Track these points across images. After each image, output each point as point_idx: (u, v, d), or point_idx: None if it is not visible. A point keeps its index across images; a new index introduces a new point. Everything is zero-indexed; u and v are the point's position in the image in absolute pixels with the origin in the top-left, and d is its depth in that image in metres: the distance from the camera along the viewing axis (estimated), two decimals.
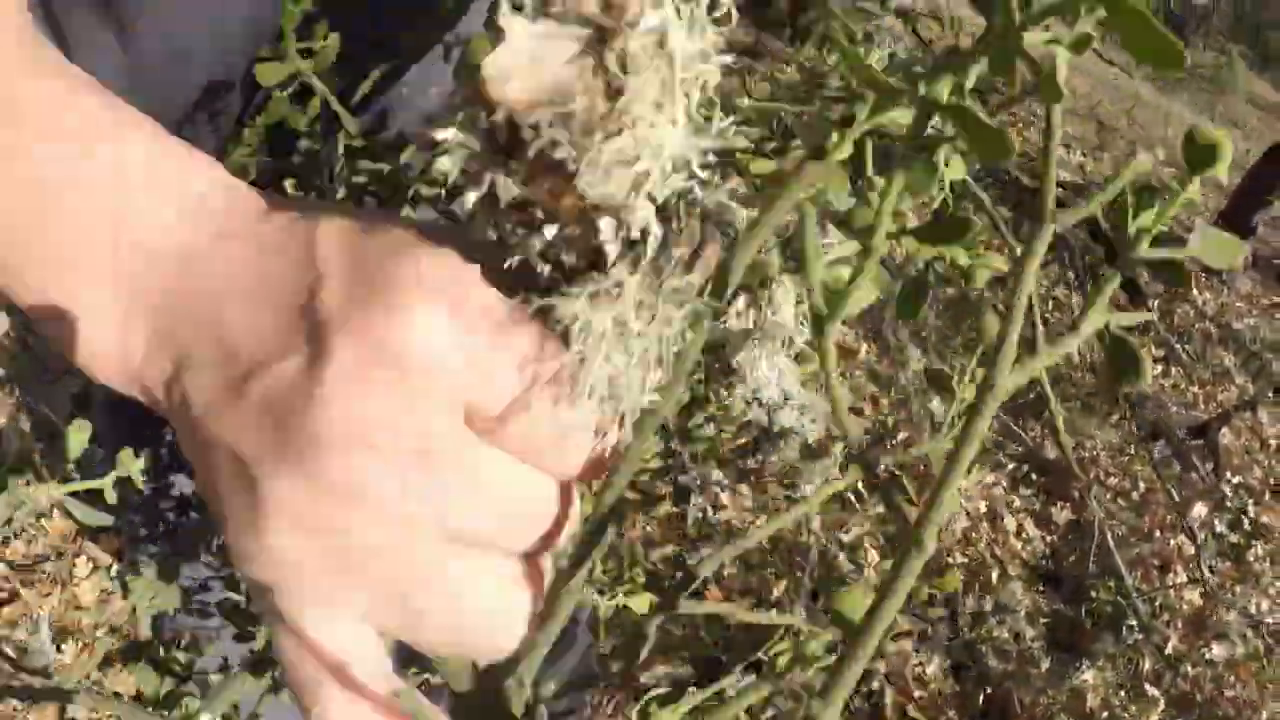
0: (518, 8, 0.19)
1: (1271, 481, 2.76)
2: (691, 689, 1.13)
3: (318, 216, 0.24)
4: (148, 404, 0.26)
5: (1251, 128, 7.83)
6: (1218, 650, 2.01)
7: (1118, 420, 2.60)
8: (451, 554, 0.23)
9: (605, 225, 0.20)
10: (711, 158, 0.21)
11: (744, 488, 1.87)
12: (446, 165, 0.19)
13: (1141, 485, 2.39)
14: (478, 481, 0.22)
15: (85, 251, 0.25)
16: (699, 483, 1.73)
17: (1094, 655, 1.85)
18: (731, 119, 0.20)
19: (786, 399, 0.34)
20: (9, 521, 1.31)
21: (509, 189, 0.19)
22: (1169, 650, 1.95)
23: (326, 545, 0.22)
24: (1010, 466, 2.25)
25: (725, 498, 1.82)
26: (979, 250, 0.34)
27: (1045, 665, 1.80)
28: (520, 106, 0.19)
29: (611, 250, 0.20)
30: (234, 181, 0.26)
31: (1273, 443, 2.98)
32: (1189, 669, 1.93)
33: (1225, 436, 2.85)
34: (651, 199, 0.20)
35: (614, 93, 0.19)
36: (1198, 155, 0.23)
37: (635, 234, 0.21)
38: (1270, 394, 3.29)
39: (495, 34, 0.19)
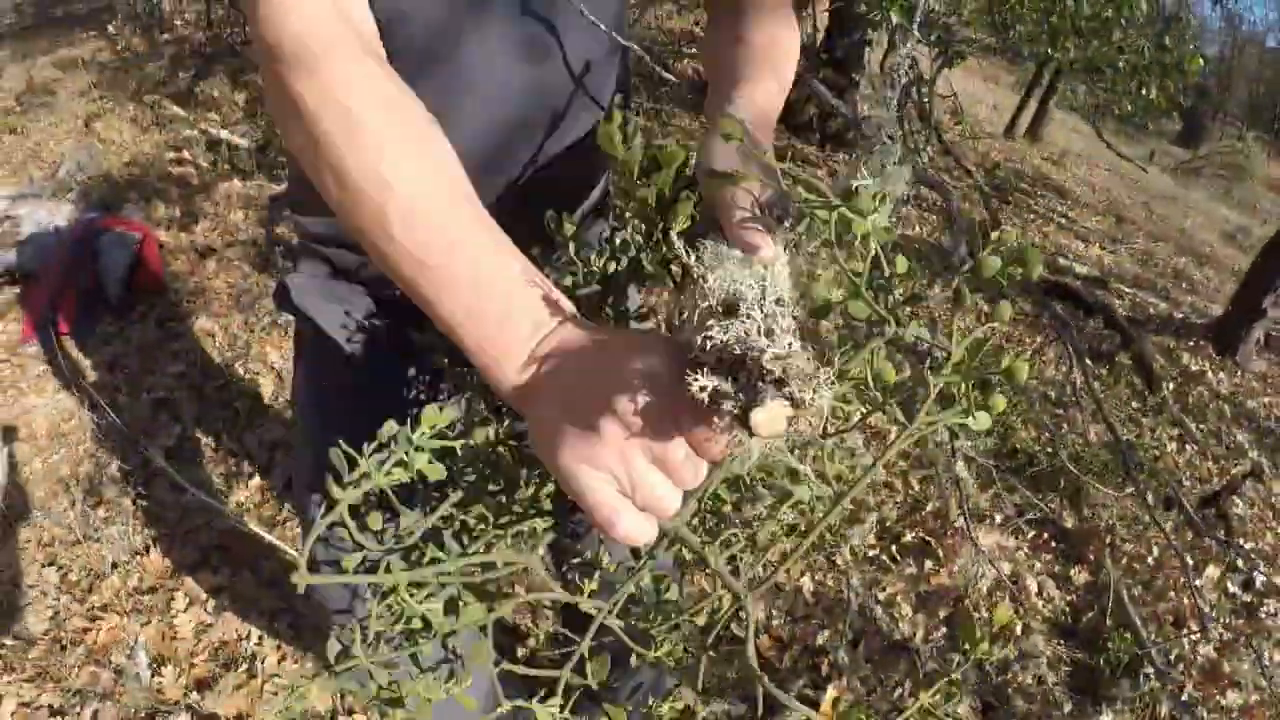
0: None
1: None
2: None
3: (635, 353, 0.50)
4: (518, 409, 0.55)
5: (1268, 211, 8.18)
6: (1232, 696, 2.22)
7: (1132, 492, 2.88)
8: (659, 475, 0.49)
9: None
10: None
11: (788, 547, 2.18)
12: None
13: (1155, 550, 2.66)
14: (680, 464, 0.48)
15: (515, 339, 0.54)
16: (749, 541, 2.06)
17: (1112, 700, 2.09)
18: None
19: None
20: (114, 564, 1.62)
21: None
22: (1184, 697, 2.18)
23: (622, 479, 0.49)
24: (1031, 534, 2.54)
25: (772, 555, 2.14)
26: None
27: (1067, 708, 2.05)
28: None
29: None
30: (572, 309, 0.56)
31: None
32: (1204, 714, 2.16)
33: (1237, 506, 3.11)
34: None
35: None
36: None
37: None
38: None
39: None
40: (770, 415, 0.42)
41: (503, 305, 0.53)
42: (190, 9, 4.85)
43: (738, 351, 0.43)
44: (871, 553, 2.27)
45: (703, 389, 0.43)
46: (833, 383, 0.44)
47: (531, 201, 0.75)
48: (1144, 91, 5.23)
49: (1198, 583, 2.61)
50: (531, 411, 0.53)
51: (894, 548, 2.30)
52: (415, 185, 0.55)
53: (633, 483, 0.49)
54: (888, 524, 2.39)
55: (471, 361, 0.55)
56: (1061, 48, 5.26)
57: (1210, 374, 4.19)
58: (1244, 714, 2.18)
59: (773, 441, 0.45)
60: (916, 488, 2.56)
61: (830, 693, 1.82)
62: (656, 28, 7.54)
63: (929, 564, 2.26)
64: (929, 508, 2.46)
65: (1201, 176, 8.87)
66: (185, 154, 3.58)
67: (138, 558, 1.82)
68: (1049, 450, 2.94)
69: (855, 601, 2.05)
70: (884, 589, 2.16)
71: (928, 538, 2.35)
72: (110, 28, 4.74)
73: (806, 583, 2.10)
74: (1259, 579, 2.74)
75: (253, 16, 0.57)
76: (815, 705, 1.80)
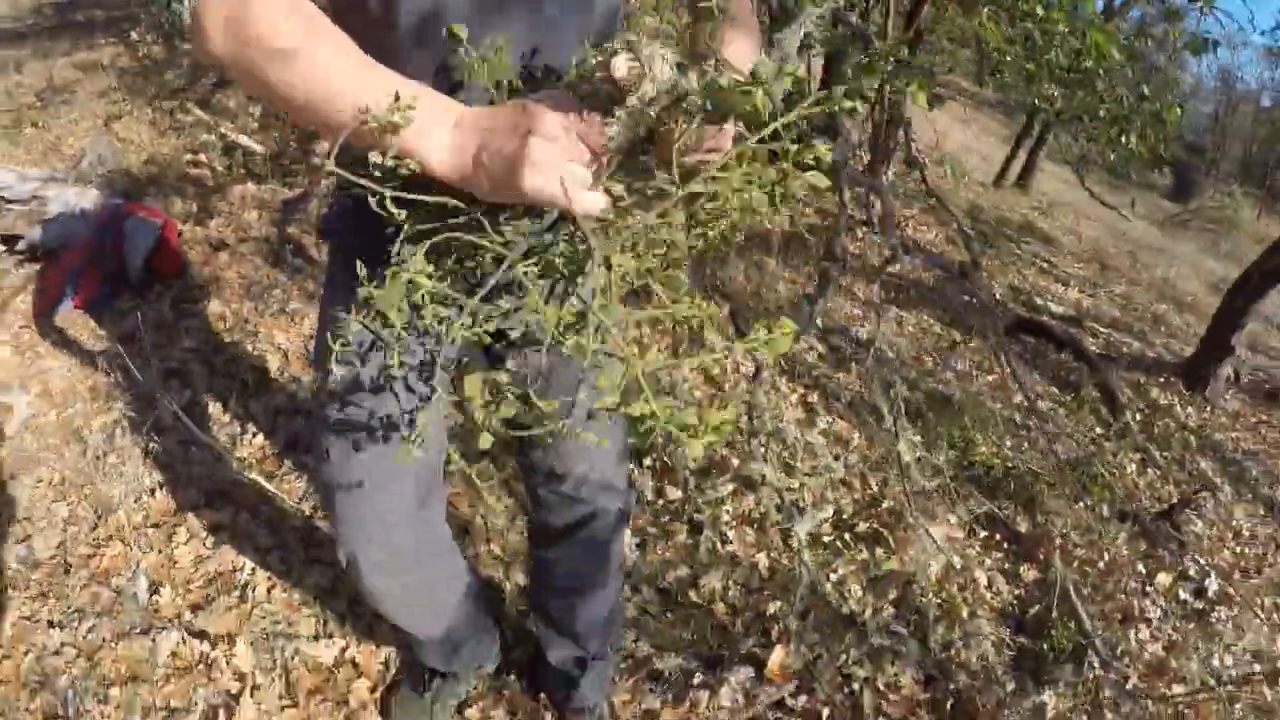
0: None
1: (1241, 564, 3.16)
2: (697, 676, 1.75)
3: (521, 103, 0.77)
4: (455, 181, 0.79)
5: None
6: (1178, 690, 2.27)
7: (1088, 506, 3.05)
8: (563, 162, 0.73)
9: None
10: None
11: (747, 529, 2.35)
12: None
13: (1107, 556, 2.82)
14: (577, 143, 0.74)
15: (433, 126, 0.78)
16: (710, 520, 2.22)
17: (1054, 682, 2.21)
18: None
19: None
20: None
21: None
22: (1129, 686, 2.30)
23: (545, 175, 0.73)
24: (983, 534, 2.70)
25: (732, 534, 2.31)
26: None
27: (1009, 687, 2.19)
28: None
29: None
30: (463, 106, 0.81)
31: (1245, 533, 3.39)
32: (1149, 704, 2.27)
33: (1196, 525, 3.28)
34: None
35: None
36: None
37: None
38: (1249, 494, 3.73)
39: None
40: (619, 63, 0.69)
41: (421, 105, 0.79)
42: None
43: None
44: (826, 539, 2.43)
45: (596, 59, 0.71)
46: (669, 63, 0.69)
47: None
48: (1125, 140, 5.47)
49: (1149, 588, 2.77)
50: (472, 176, 0.78)
51: (848, 535, 2.46)
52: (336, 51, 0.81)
53: (569, 173, 0.73)
54: (844, 516, 2.55)
55: (403, 152, 0.78)
56: (1042, 96, 5.52)
57: (1179, 408, 4.38)
58: (1189, 707, 2.25)
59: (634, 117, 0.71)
60: (875, 488, 2.73)
61: (777, 652, 1.97)
62: None
63: (880, 551, 2.42)
64: (884, 504, 2.63)
65: (1190, 230, 9.13)
66: (202, 156, 3.79)
67: (144, 498, 1.98)
68: (1008, 465, 3.12)
69: (807, 576, 2.21)
70: (835, 571, 2.32)
71: (881, 529, 2.51)
72: (133, 34, 5.00)
73: (762, 559, 2.26)
74: (1211, 586, 2.89)
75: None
76: (763, 663, 1.95)
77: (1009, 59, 4.78)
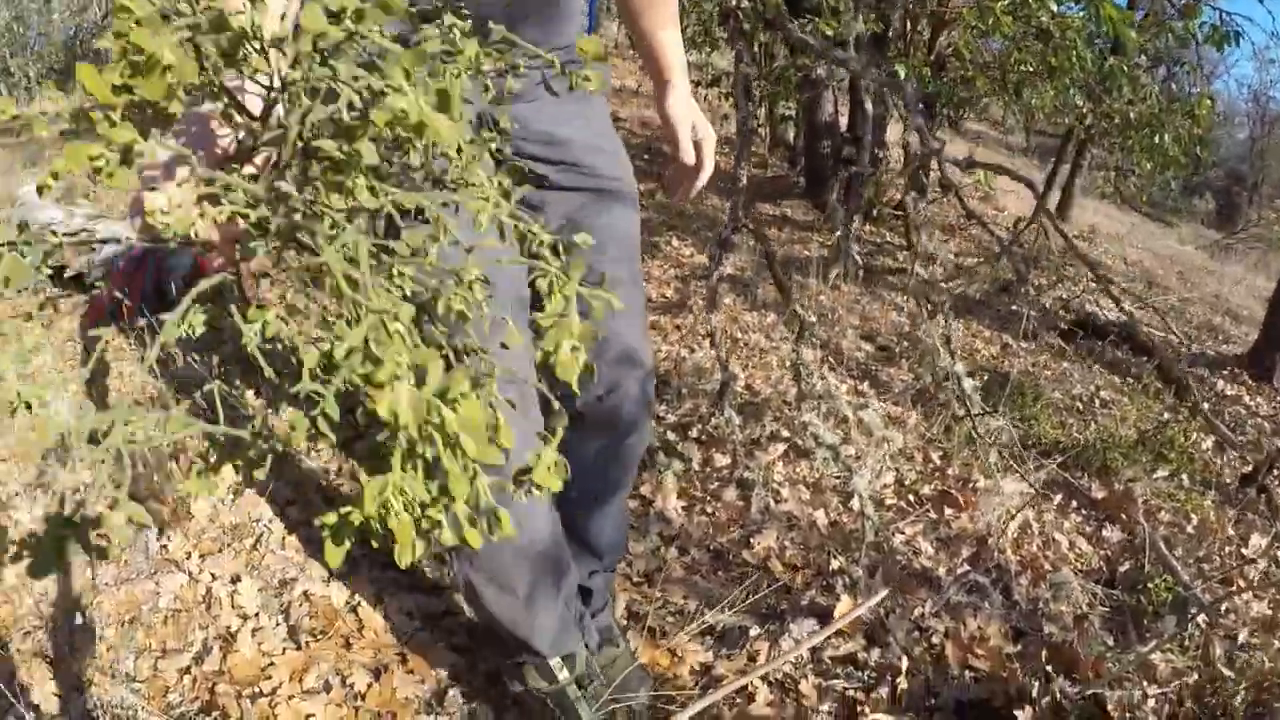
0: None
1: None
2: (754, 629, 1.53)
3: None
4: None
5: None
6: None
7: (1167, 476, 2.80)
8: None
9: None
10: None
11: (803, 488, 2.16)
12: None
13: (1195, 519, 2.56)
14: None
15: None
16: (762, 480, 2.04)
17: (1159, 635, 1.95)
18: None
19: None
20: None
21: None
22: (1241, 641, 2.02)
23: None
24: (1058, 500, 2.46)
25: (785, 492, 2.12)
26: None
27: (1109, 641, 1.93)
28: None
29: None
30: None
31: None
32: (1265, 661, 2.00)
33: None
34: None
35: None
36: None
37: None
38: None
39: None
40: None
41: None
42: None
43: None
44: (889, 502, 2.23)
45: None
46: None
47: None
48: (1158, 140, 5.29)
49: (1244, 550, 2.50)
50: None
51: (912, 498, 2.26)
52: None
53: None
54: (906, 483, 2.35)
55: None
56: (1070, 107, 5.37)
57: (1247, 398, 4.09)
58: None
59: None
60: (936, 461, 2.53)
61: (844, 602, 1.77)
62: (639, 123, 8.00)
63: (950, 511, 2.21)
64: (950, 471, 2.43)
65: (1237, 252, 8.83)
66: None
67: (174, 462, 1.89)
68: (1076, 440, 2.89)
69: (871, 530, 2.00)
70: (902, 531, 2.12)
71: (949, 490, 2.30)
72: None
73: (820, 516, 2.07)
74: None
75: None
76: (829, 612, 1.75)
77: (1029, 64, 4.67)
